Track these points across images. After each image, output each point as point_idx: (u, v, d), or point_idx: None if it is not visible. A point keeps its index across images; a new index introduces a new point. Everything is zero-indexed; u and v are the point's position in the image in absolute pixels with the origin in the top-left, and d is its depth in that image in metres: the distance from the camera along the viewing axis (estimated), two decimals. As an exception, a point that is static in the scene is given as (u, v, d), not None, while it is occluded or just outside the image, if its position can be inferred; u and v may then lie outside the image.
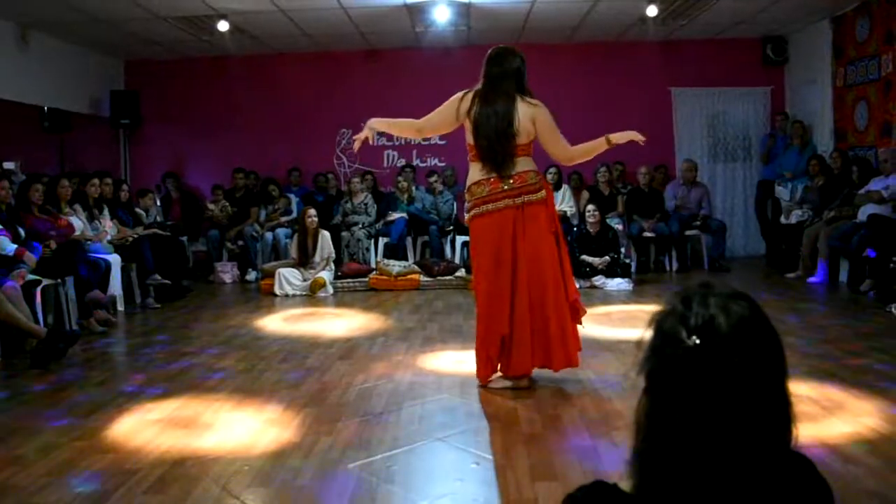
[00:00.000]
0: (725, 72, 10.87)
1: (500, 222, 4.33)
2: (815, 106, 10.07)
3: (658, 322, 1.23)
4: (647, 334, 1.24)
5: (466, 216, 4.56)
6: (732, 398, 1.13)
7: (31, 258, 6.13)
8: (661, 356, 1.20)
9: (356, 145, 4.54)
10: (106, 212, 7.97)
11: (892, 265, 6.82)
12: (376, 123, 4.54)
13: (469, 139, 4.38)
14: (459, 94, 4.40)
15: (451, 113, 4.40)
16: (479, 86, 4.37)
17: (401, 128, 4.91)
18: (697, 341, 1.15)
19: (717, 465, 1.14)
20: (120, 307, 7.46)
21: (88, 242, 7.18)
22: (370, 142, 4.51)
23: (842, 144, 9.32)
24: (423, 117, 4.51)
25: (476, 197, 4.38)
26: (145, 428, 3.86)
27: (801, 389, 4.18)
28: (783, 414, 1.19)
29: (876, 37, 8.58)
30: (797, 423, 1.20)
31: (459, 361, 5.16)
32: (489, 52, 4.45)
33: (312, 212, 8.77)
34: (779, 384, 1.19)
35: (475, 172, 4.39)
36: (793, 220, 9.04)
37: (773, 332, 1.21)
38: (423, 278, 8.73)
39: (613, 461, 3.22)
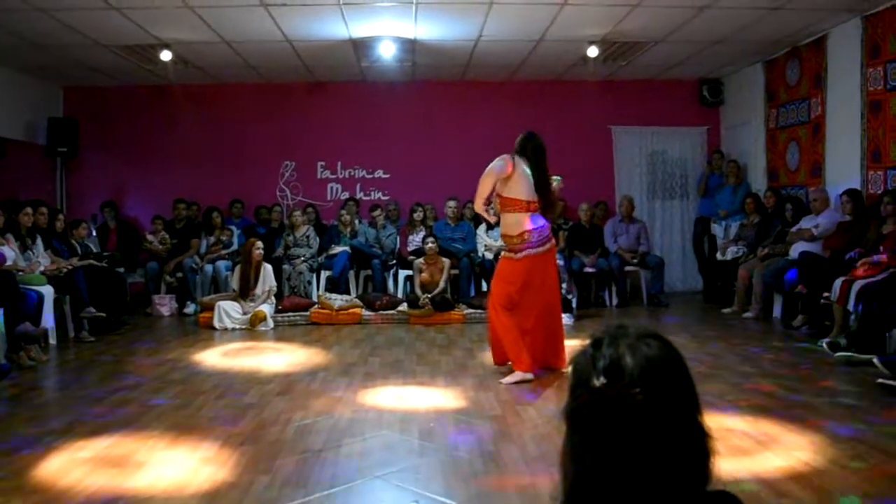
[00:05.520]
0: (664, 111, 11.17)
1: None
2: (749, 146, 10.40)
3: (574, 364, 1.26)
4: (568, 376, 1.27)
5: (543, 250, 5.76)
6: (642, 436, 1.15)
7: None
8: (574, 397, 1.23)
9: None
10: (39, 241, 7.75)
11: (823, 301, 7.03)
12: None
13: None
14: None
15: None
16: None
17: None
18: (604, 381, 1.18)
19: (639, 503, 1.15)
20: (52, 341, 7.23)
21: (20, 273, 6.96)
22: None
23: (774, 183, 9.62)
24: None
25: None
26: (75, 467, 3.73)
27: (735, 424, 4.27)
28: (699, 449, 1.20)
29: (806, 81, 8.93)
30: (716, 458, 1.22)
31: (400, 397, 5.14)
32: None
33: (259, 244, 8.68)
34: (690, 421, 1.20)
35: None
36: (728, 256, 9.26)
37: (682, 370, 1.23)
38: (364, 312, 8.68)
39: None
